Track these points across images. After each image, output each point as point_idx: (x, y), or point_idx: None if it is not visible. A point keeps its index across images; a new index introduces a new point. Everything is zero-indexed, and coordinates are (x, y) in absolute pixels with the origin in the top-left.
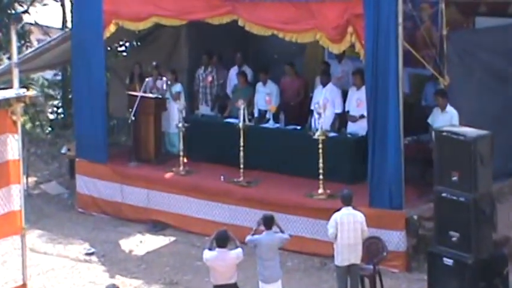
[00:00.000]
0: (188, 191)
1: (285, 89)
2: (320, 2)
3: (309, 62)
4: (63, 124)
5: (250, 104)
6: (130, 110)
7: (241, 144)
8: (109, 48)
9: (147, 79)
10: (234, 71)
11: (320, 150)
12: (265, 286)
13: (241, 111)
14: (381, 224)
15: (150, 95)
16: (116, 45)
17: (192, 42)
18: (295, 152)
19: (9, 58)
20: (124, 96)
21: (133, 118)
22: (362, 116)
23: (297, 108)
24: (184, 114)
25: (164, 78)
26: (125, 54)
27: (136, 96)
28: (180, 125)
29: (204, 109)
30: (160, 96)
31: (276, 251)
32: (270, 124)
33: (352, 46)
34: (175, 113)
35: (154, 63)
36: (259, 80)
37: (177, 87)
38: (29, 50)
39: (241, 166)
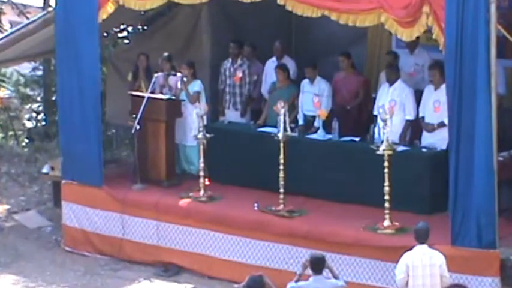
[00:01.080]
0: (211, 224)
1: (338, 89)
2: None
3: (371, 53)
4: (44, 134)
5: (293, 108)
6: (134, 116)
7: (281, 161)
8: (105, 35)
9: (156, 75)
10: (271, 64)
11: (386, 170)
12: None
13: (281, 118)
14: (467, 267)
15: (161, 96)
16: (115, 30)
17: (216, 26)
18: (352, 171)
19: None
20: (125, 97)
21: (138, 127)
22: (442, 124)
23: (355, 114)
24: (205, 122)
25: (179, 74)
26: (126, 42)
27: (143, 97)
28: (200, 135)
29: (231, 115)
30: (173, 98)
31: None
32: (320, 135)
33: (429, 31)
34: (193, 119)
35: (165, 54)
36: (305, 76)
37: (196, 86)
38: (0, 35)
39: (281, 190)
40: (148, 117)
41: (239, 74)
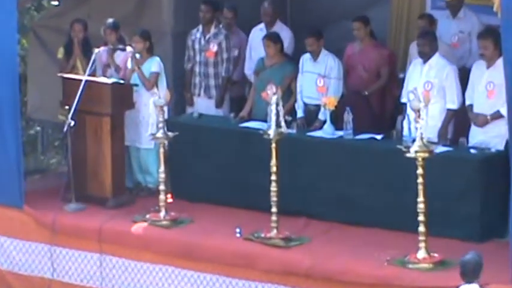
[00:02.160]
0: (175, 257)
1: (353, 67)
2: None
3: (396, 16)
4: None
5: (289, 95)
6: (67, 107)
7: (273, 169)
8: None
9: (96, 50)
10: (258, 33)
11: (420, 179)
12: None
13: (273, 108)
14: None
15: (104, 80)
16: None
17: None
18: (372, 182)
19: None
20: (55, 82)
21: (72, 123)
22: (497, 115)
23: (376, 102)
24: (166, 115)
25: (129, 49)
26: (55, 4)
27: (79, 81)
28: (160, 134)
29: (203, 104)
30: (122, 82)
31: None
32: (327, 131)
33: None
34: (149, 112)
35: (110, 20)
36: (306, 50)
37: (153, 65)
38: None
39: (274, 210)
40: (86, 109)
41: (213, 48)
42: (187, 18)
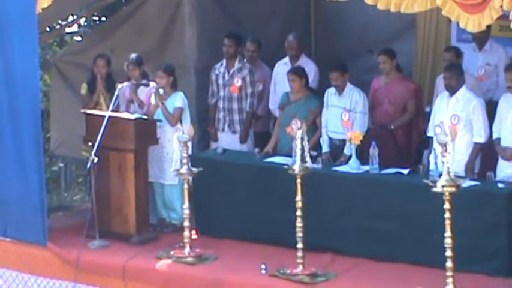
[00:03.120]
0: None
1: (379, 101)
2: None
3: (422, 50)
4: None
5: (314, 130)
6: (90, 144)
7: (299, 204)
8: (48, 29)
9: (120, 85)
10: (283, 68)
11: (447, 214)
12: None
13: (298, 143)
14: None
15: (127, 115)
16: (62, 23)
17: (204, 16)
18: (398, 217)
19: None
20: (77, 118)
21: (95, 159)
22: None
23: (402, 136)
24: (191, 151)
25: (153, 84)
26: (78, 40)
27: (102, 117)
28: (184, 170)
29: (227, 140)
30: (145, 117)
31: None
32: (352, 166)
33: (504, 18)
34: (173, 148)
35: (133, 56)
36: (331, 84)
37: (177, 100)
38: None
39: (299, 246)
40: (110, 145)
41: (237, 83)
42: (211, 53)
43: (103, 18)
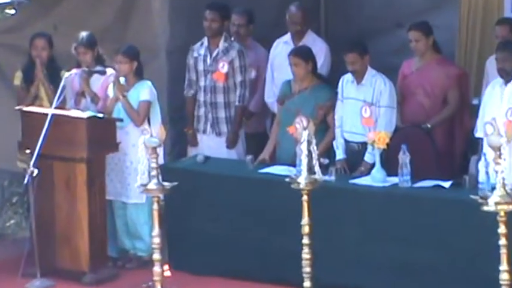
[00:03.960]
0: None
1: (410, 91)
2: None
3: (467, 24)
4: None
5: (324, 130)
6: (28, 151)
7: (306, 229)
8: None
9: (66, 73)
10: (282, 48)
11: (502, 240)
12: None
13: (303, 148)
14: None
15: (77, 113)
16: None
17: None
18: (437, 243)
19: None
20: (11, 116)
21: (34, 172)
22: None
23: (442, 137)
24: (161, 159)
25: (110, 71)
26: (10, 13)
27: (43, 115)
28: (153, 185)
29: (210, 144)
30: (101, 115)
31: None
32: (375, 178)
33: None
34: (138, 156)
35: (83, 34)
36: (346, 69)
37: (143, 92)
38: None
39: (306, 284)
40: (54, 153)
41: (223, 68)
42: (187, 30)
43: None
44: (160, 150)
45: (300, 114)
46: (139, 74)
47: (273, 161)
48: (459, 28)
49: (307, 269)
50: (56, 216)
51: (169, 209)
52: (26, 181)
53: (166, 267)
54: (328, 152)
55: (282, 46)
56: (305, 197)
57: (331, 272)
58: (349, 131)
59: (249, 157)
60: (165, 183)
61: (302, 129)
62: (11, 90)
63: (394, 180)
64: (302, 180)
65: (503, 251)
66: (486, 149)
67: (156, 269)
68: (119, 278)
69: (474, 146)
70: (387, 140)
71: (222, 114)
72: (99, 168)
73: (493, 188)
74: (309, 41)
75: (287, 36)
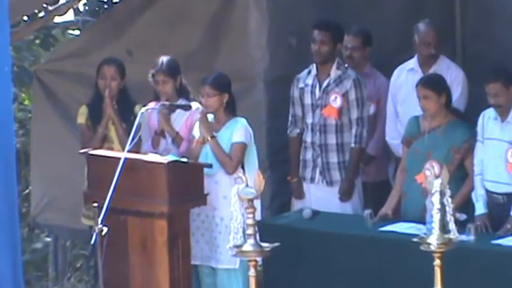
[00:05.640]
0: None
1: None
2: None
3: None
4: None
5: (461, 178)
6: (95, 204)
7: None
8: (25, 19)
9: (142, 108)
10: (406, 76)
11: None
12: None
13: (434, 200)
14: None
15: (155, 158)
16: (47, 8)
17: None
18: None
19: None
20: (72, 161)
21: (103, 230)
22: None
23: None
24: (259, 214)
25: (196, 106)
26: (74, 34)
27: (115, 160)
28: (249, 246)
29: (319, 194)
30: (184, 160)
31: None
32: None
33: None
34: (230, 210)
35: (163, 60)
36: (487, 103)
37: (236, 131)
38: None
39: None
40: (128, 206)
41: (336, 102)
42: (291, 55)
43: (114, 0)
44: (257, 203)
45: (430, 159)
46: (231, 110)
47: (397, 216)
48: None
49: None
50: (129, 284)
51: (268, 275)
52: (93, 242)
53: None
54: (466, 206)
55: (407, 74)
56: (437, 261)
57: None
58: (492, 180)
59: (368, 211)
60: (264, 244)
61: (433, 177)
62: (73, 129)
63: None
64: (434, 241)
65: None
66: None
67: None
68: None
69: None
70: None
71: (334, 158)
72: (183, 226)
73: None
74: (441, 68)
75: (413, 62)
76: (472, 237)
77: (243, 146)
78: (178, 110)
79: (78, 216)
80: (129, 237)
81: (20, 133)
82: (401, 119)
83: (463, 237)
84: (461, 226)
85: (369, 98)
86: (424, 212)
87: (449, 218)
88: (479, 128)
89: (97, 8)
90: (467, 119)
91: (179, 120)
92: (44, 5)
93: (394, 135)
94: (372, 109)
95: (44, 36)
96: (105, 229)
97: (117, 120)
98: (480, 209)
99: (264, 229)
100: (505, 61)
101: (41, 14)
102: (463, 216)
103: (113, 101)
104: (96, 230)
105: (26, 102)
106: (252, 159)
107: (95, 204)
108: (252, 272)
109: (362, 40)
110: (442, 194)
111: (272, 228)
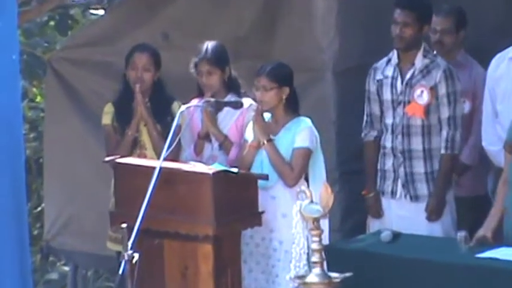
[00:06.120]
0: None
1: None
2: None
3: None
4: None
5: None
6: (124, 225)
7: None
8: None
9: (182, 106)
10: (506, 65)
11: None
12: None
13: None
14: None
15: (199, 167)
16: None
17: None
18: None
19: None
20: (94, 172)
21: (134, 257)
22: None
23: None
24: (327, 237)
25: (248, 102)
26: (96, 14)
27: (149, 169)
28: (314, 277)
29: (401, 212)
30: (234, 170)
31: None
32: None
33: None
34: (291, 232)
35: (208, 46)
36: None
37: (299, 134)
38: None
39: None
40: (164, 227)
41: (422, 98)
42: (366, 40)
43: None
44: (325, 224)
45: None
46: (292, 107)
47: (499, 240)
48: None
49: None
50: None
51: None
52: (121, 271)
53: None
54: None
55: (508, 64)
56: None
57: None
58: None
59: (462, 233)
60: (333, 274)
61: None
62: (96, 131)
63: None
64: None
65: None
66: None
67: None
68: None
69: None
70: None
71: (420, 168)
72: (233, 252)
73: None
74: None
75: None
76: None
77: (307, 152)
78: (226, 108)
79: (103, 240)
80: (166, 265)
81: (30, 137)
82: (501, 119)
83: None
84: None
85: (463, 93)
86: None
87: None
88: None
89: None
90: None
91: (228, 120)
92: None
93: (492, 140)
94: (466, 107)
95: (60, 17)
96: (136, 255)
97: (150, 121)
98: None
99: (333, 255)
100: None
101: None
102: None
103: (146, 97)
104: (125, 257)
105: (38, 98)
106: (318, 169)
107: (124, 225)
108: None
109: (454, 21)
110: None
111: (343, 254)
